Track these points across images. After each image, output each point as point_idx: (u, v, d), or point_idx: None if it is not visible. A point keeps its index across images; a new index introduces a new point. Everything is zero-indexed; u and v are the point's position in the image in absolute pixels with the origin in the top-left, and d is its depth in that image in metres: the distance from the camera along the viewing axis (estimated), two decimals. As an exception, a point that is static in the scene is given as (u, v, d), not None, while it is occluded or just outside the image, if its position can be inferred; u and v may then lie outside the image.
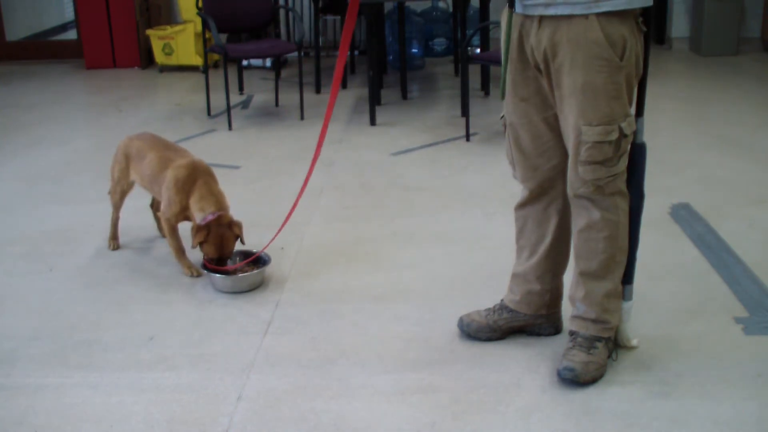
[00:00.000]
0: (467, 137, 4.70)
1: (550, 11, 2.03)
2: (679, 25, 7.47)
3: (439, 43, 7.34)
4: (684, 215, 3.44)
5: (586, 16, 2.00)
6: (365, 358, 2.41)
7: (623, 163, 2.14)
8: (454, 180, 4.03)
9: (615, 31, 2.01)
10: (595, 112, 2.06)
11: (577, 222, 2.23)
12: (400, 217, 3.54)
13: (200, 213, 2.87)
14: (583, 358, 2.24)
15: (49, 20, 8.60)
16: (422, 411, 2.14)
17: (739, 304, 2.67)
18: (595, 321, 2.27)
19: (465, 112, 4.91)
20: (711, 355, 2.37)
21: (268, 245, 2.89)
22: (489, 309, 2.49)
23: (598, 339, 2.27)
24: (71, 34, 7.96)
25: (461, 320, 2.51)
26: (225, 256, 2.89)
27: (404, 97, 5.86)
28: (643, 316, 2.61)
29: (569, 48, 2.03)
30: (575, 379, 2.21)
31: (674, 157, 4.26)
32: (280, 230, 2.84)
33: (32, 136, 5.05)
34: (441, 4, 7.34)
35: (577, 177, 2.14)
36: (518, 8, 2.10)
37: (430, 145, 4.62)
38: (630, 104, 2.13)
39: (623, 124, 2.08)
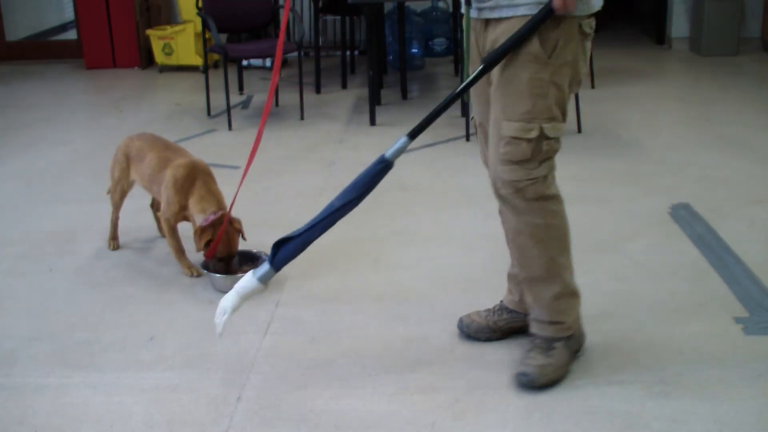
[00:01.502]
0: (467, 137, 4.70)
1: (495, 14, 2.07)
2: (679, 25, 7.47)
3: (439, 43, 7.34)
4: (684, 215, 3.44)
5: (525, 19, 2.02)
6: (365, 358, 2.41)
7: (546, 168, 2.11)
8: (453, 180, 4.03)
9: (548, 29, 2.01)
10: (515, 107, 2.06)
11: (508, 229, 2.25)
12: (400, 217, 3.54)
13: (201, 214, 2.87)
14: (541, 360, 2.23)
15: (49, 20, 8.60)
16: (422, 411, 2.14)
17: (739, 304, 2.67)
18: (550, 323, 2.26)
19: (465, 112, 4.91)
20: (711, 355, 2.37)
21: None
22: (489, 310, 2.49)
23: (556, 339, 2.26)
24: (71, 34, 7.96)
25: (461, 321, 2.51)
26: (232, 253, 2.89)
27: (404, 97, 5.85)
28: (643, 316, 2.61)
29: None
30: (530, 384, 2.21)
31: (674, 157, 4.27)
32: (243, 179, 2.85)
33: (32, 136, 5.05)
34: (441, 4, 7.34)
35: (497, 176, 2.14)
36: (473, 12, 2.16)
37: (430, 145, 4.62)
38: (562, 109, 2.09)
39: (546, 126, 2.05)
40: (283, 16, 2.52)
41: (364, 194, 2.09)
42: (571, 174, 3.97)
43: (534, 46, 2.02)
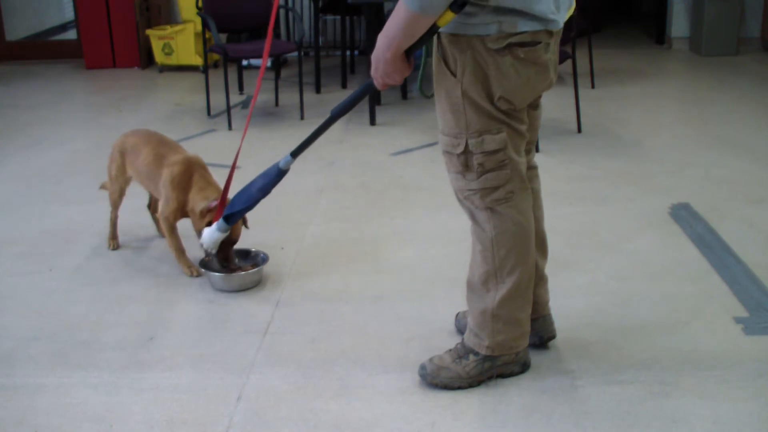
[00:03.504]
0: (467, 137, 4.70)
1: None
2: (679, 25, 7.47)
3: (439, 43, 7.34)
4: (684, 215, 3.45)
5: (438, 34, 2.00)
6: (365, 358, 2.41)
7: (486, 181, 2.06)
8: (454, 180, 4.02)
9: (448, 49, 2.00)
10: (443, 121, 2.09)
11: None
12: (400, 217, 3.54)
13: (204, 201, 2.89)
14: (444, 363, 2.24)
15: (49, 20, 8.59)
16: (422, 411, 2.14)
17: (739, 304, 2.67)
18: (471, 332, 2.24)
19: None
20: (711, 355, 2.37)
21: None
22: None
23: (474, 352, 2.23)
24: (71, 34, 7.96)
25: (458, 318, 2.54)
26: (234, 239, 2.91)
27: (404, 97, 5.86)
28: (642, 316, 2.61)
29: (433, 59, 2.08)
30: (424, 378, 2.25)
31: (674, 157, 4.27)
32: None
33: (32, 136, 5.05)
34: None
35: (450, 181, 2.17)
36: None
37: (430, 145, 4.62)
38: (497, 123, 2.02)
39: (471, 141, 2.03)
40: (272, 13, 2.57)
41: (265, 195, 2.64)
42: (571, 174, 3.98)
43: (441, 65, 2.02)
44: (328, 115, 2.31)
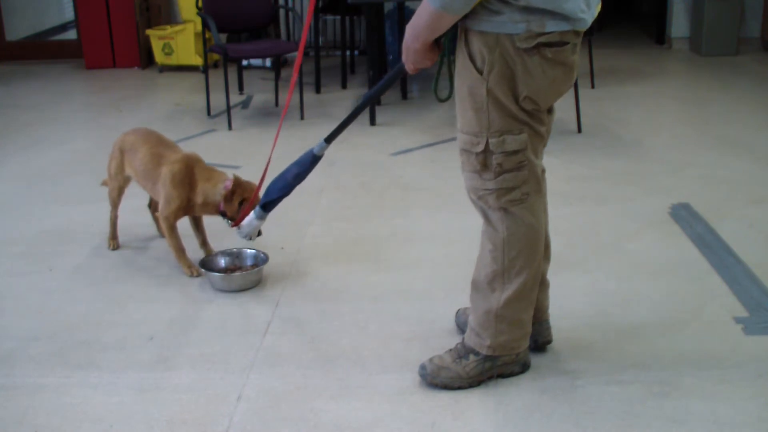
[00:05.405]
0: (467, 137, 4.70)
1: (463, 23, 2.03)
2: (679, 25, 7.47)
3: (439, 43, 7.33)
4: (684, 215, 3.45)
5: (466, 30, 1.99)
6: (365, 358, 2.41)
7: (503, 182, 2.06)
8: (453, 180, 4.02)
9: (476, 47, 1.98)
10: (463, 119, 2.08)
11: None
12: (400, 217, 3.54)
13: (217, 186, 2.92)
14: (444, 362, 2.23)
15: (49, 20, 8.59)
16: (422, 411, 2.14)
17: (739, 304, 2.67)
18: (473, 331, 2.24)
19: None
20: (711, 355, 2.37)
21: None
22: None
23: (474, 352, 2.22)
24: (71, 34, 7.96)
25: (458, 315, 2.54)
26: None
27: (404, 97, 5.86)
28: (643, 316, 2.62)
29: (457, 55, 2.07)
30: (424, 378, 2.25)
31: (674, 157, 4.27)
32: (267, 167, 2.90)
33: (32, 136, 5.05)
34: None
35: (464, 181, 2.16)
36: None
37: (430, 145, 4.62)
38: (519, 123, 2.01)
39: (492, 140, 2.02)
40: (308, 13, 2.56)
41: (301, 181, 2.65)
42: (571, 174, 3.98)
43: (467, 61, 2.01)
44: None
